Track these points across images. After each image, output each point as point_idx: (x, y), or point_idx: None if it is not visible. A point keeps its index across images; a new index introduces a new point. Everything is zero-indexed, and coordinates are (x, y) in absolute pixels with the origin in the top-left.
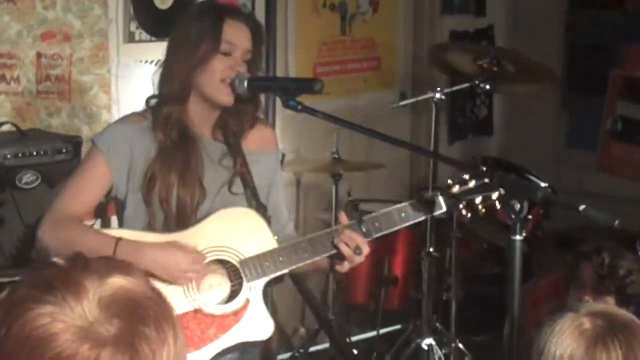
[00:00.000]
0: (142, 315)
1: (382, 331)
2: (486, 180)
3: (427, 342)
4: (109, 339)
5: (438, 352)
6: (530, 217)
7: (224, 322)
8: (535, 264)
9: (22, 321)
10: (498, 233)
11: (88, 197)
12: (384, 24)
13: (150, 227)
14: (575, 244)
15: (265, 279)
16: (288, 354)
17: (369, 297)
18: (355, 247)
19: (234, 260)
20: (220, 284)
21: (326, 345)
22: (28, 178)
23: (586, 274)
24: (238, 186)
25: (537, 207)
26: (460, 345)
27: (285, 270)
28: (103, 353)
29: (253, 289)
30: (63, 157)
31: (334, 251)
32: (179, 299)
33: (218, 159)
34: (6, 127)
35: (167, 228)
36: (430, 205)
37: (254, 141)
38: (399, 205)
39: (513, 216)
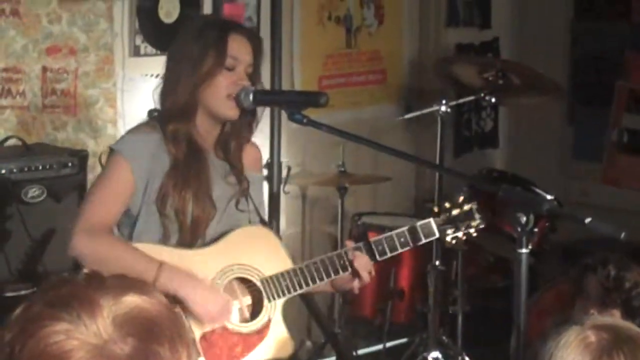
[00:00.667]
0: (156, 334)
1: (388, 344)
2: (466, 208)
3: (434, 355)
4: (122, 358)
5: None
6: (536, 230)
7: (249, 341)
8: (541, 277)
9: (37, 338)
10: (504, 246)
11: (118, 206)
12: (389, 37)
13: (164, 239)
14: (581, 256)
15: (284, 299)
16: None
17: (376, 310)
18: (369, 270)
19: (255, 279)
20: (243, 302)
21: (332, 359)
22: (34, 192)
23: (592, 286)
24: (243, 203)
25: (543, 220)
26: (467, 359)
27: (302, 291)
28: None
29: (273, 308)
30: (69, 171)
31: (346, 272)
32: None
33: (223, 176)
34: (12, 142)
35: (181, 241)
36: (424, 231)
37: (245, 161)
38: (398, 231)
39: (519, 229)
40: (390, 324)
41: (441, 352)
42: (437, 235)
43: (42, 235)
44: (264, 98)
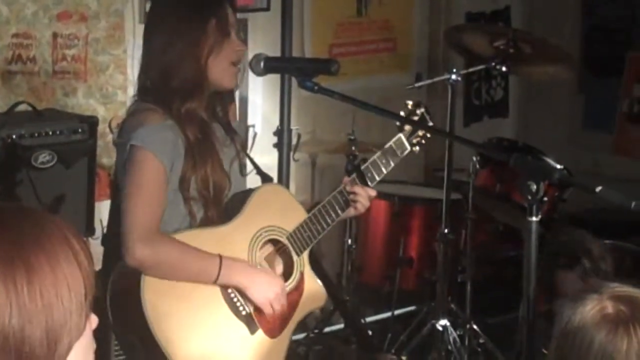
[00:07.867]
0: None
1: (397, 312)
2: (419, 112)
3: (442, 323)
4: None
5: (453, 334)
6: (546, 199)
7: (292, 299)
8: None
9: None
10: (513, 215)
11: (162, 204)
12: (400, 5)
13: (192, 220)
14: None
15: (309, 249)
16: (303, 335)
17: (384, 278)
18: (368, 197)
19: (282, 238)
20: (275, 264)
21: (341, 326)
22: (44, 158)
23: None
24: (243, 165)
25: (553, 189)
26: (475, 327)
27: (322, 235)
28: None
29: (302, 261)
30: (79, 137)
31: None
32: None
33: (221, 139)
34: (22, 107)
35: (206, 215)
36: (399, 147)
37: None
38: (377, 154)
39: (529, 198)
40: (398, 291)
41: (449, 321)
42: (409, 148)
43: (52, 201)
44: (274, 65)
